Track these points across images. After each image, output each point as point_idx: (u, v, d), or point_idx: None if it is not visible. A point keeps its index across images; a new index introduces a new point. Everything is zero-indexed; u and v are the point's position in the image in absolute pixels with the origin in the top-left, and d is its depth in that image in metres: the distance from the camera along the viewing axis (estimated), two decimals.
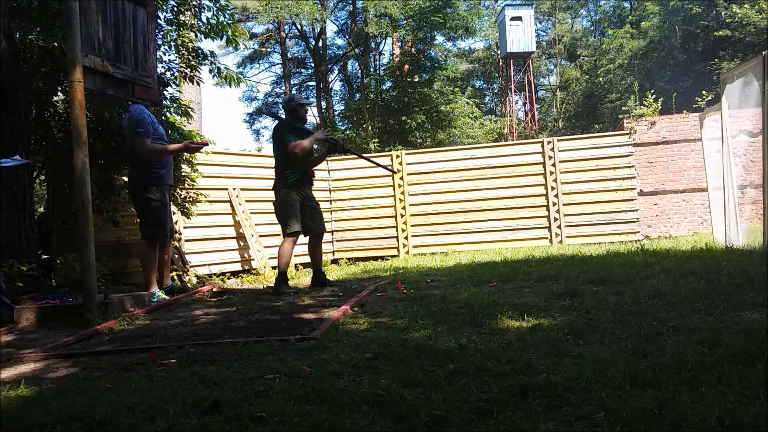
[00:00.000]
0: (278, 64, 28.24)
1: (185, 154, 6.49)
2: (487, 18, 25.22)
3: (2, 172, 4.82)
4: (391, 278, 5.79)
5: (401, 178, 10.63)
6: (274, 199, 5.33)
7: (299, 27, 24.93)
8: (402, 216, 10.61)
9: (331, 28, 35.21)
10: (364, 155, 7.78)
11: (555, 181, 10.16)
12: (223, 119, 54.08)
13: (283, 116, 5.51)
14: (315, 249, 5.47)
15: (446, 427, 1.84)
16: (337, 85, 28.64)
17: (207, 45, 50.78)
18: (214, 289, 5.50)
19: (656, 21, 21.86)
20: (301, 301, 4.44)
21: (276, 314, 3.96)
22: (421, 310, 3.67)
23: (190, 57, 6.70)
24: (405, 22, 19.57)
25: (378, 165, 6.82)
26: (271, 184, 5.40)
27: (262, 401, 2.12)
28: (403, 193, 10.62)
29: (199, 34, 6.70)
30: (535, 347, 2.64)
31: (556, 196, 10.14)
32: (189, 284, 7.08)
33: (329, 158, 10.95)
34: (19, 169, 5.16)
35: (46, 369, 2.90)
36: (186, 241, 7.85)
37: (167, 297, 4.90)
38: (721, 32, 16.92)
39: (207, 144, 5.23)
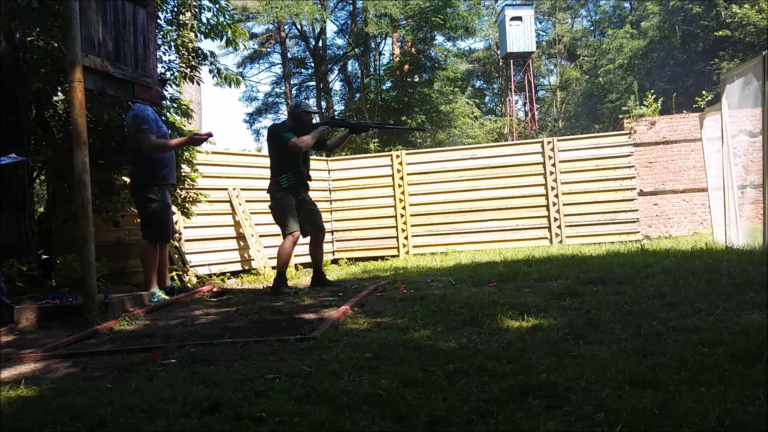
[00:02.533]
0: (278, 64, 28.27)
1: (185, 154, 6.49)
2: (487, 18, 25.24)
3: (2, 172, 4.82)
4: (391, 278, 5.79)
5: (401, 178, 10.63)
6: (270, 201, 5.34)
7: (299, 27, 24.95)
8: (402, 216, 10.61)
9: (331, 28, 35.24)
10: (388, 125, 7.62)
11: (555, 181, 10.16)
12: (223, 119, 54.13)
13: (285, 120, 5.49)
14: (316, 249, 5.47)
15: (446, 427, 1.84)
16: (337, 85, 28.69)
17: (207, 45, 50.81)
18: (214, 289, 5.50)
19: (656, 21, 21.88)
20: (301, 301, 4.44)
21: (276, 314, 3.97)
22: (421, 310, 3.67)
23: (190, 57, 6.70)
24: (405, 22, 19.57)
25: (406, 129, 6.84)
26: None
27: (262, 401, 2.12)
28: (403, 193, 10.62)
29: (199, 35, 6.70)
30: (535, 347, 2.64)
31: (556, 196, 10.14)
32: (189, 284, 7.08)
33: (329, 158, 10.98)
34: (19, 169, 5.16)
35: (46, 369, 2.90)
36: (186, 241, 7.85)
37: (167, 297, 4.90)
38: (721, 32, 16.94)
39: (211, 134, 5.20)
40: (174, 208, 6.94)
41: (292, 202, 5.22)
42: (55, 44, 5.42)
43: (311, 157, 5.95)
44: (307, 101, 6.00)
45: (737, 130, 7.23)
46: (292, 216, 5.19)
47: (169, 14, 6.60)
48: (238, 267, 8.59)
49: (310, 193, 5.50)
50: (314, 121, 5.38)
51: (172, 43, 6.59)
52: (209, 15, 6.60)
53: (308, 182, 5.40)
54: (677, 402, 1.86)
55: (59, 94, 6.01)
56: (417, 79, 20.35)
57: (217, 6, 6.52)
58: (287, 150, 5.17)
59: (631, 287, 3.98)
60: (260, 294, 5.20)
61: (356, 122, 5.50)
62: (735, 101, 6.60)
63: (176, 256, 7.43)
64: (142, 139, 4.77)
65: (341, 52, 25.23)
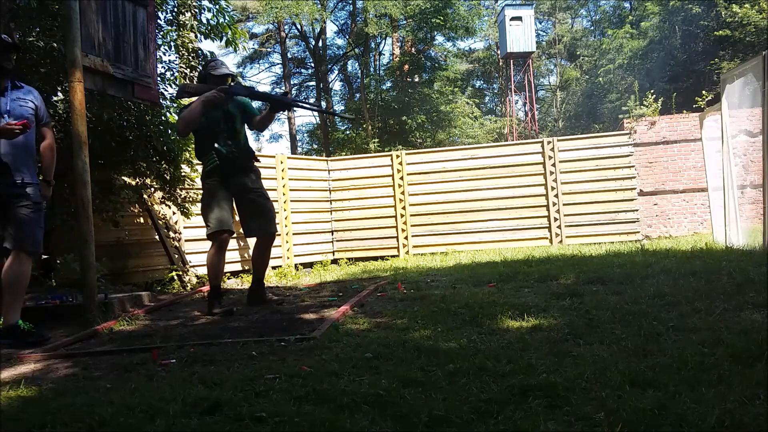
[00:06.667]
0: (278, 64, 28.25)
1: (185, 154, 6.48)
2: (487, 18, 25.25)
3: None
4: (391, 278, 5.79)
5: (401, 178, 10.63)
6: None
7: (299, 27, 24.94)
8: (402, 216, 10.61)
9: (331, 28, 35.22)
10: (322, 109, 7.29)
11: (555, 181, 10.16)
12: None
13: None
14: (259, 255, 4.41)
15: (446, 427, 1.84)
16: (337, 85, 28.67)
17: (207, 45, 50.76)
18: None
19: (656, 21, 21.86)
20: (301, 301, 4.44)
21: (276, 314, 3.97)
22: (421, 310, 3.67)
23: (190, 57, 6.69)
24: (405, 22, 19.58)
25: (337, 115, 6.47)
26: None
27: (262, 401, 2.12)
28: (403, 193, 10.62)
29: (199, 35, 6.70)
30: (535, 347, 2.64)
31: (556, 196, 10.14)
32: (189, 284, 7.08)
33: (329, 158, 10.97)
34: None
35: (46, 369, 2.90)
36: (186, 241, 7.85)
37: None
38: (721, 32, 16.92)
39: (30, 127, 3.60)
40: (174, 208, 6.94)
41: (217, 193, 4.17)
42: (55, 44, 5.42)
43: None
44: (219, 60, 4.53)
45: (737, 130, 7.23)
46: (215, 211, 4.12)
47: (169, 14, 6.60)
48: (238, 267, 8.59)
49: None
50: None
51: (172, 43, 6.59)
52: (209, 15, 6.61)
53: (251, 164, 4.35)
54: (677, 402, 1.86)
55: (59, 94, 6.01)
56: (417, 79, 20.38)
57: (217, 7, 6.52)
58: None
59: (631, 287, 3.98)
60: None
61: (279, 97, 4.40)
62: (735, 101, 6.60)
63: (176, 256, 7.42)
64: None
65: (341, 52, 25.25)
